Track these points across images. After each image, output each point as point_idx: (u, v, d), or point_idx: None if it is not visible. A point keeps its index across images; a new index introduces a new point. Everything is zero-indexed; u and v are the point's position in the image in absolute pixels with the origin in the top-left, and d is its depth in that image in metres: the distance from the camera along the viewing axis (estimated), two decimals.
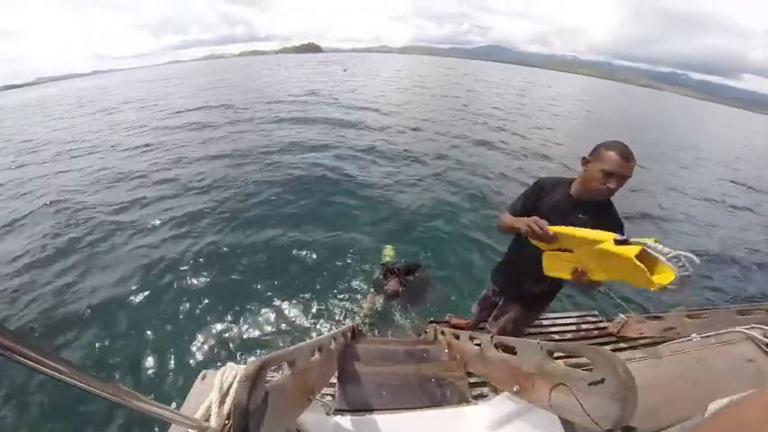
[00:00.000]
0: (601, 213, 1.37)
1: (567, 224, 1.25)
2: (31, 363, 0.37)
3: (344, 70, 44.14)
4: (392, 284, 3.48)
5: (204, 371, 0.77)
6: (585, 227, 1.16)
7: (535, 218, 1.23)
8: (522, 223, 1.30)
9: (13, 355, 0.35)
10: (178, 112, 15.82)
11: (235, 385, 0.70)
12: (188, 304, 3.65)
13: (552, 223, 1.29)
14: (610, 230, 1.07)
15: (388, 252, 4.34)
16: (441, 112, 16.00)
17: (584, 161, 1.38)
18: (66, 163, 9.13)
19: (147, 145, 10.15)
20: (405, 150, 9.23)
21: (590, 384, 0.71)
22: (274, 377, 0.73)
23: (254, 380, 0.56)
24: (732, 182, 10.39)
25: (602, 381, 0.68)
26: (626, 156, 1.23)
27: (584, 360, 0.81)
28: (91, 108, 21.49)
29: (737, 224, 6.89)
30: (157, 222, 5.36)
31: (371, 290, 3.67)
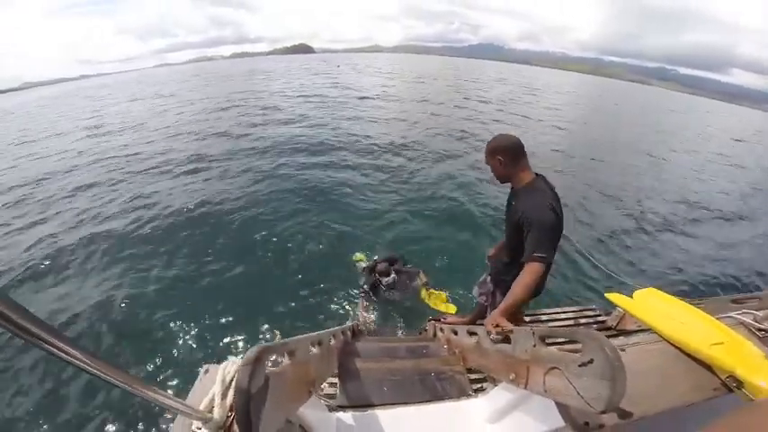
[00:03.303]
0: (520, 200, 1.58)
1: (509, 211, 1.66)
2: (48, 346, 0.35)
3: (338, 66, 52.55)
4: (386, 279, 3.35)
5: (207, 365, 0.79)
6: (511, 210, 1.61)
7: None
8: None
9: (34, 339, 0.34)
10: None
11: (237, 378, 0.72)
12: (187, 305, 3.67)
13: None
14: (525, 213, 1.48)
15: (359, 258, 4.24)
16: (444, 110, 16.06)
17: None
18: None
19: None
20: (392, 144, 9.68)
21: (580, 366, 0.72)
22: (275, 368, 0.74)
23: (254, 364, 0.57)
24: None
25: (590, 361, 0.69)
26: None
27: (578, 346, 0.83)
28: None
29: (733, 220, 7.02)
30: (162, 222, 5.52)
31: (362, 295, 3.57)
